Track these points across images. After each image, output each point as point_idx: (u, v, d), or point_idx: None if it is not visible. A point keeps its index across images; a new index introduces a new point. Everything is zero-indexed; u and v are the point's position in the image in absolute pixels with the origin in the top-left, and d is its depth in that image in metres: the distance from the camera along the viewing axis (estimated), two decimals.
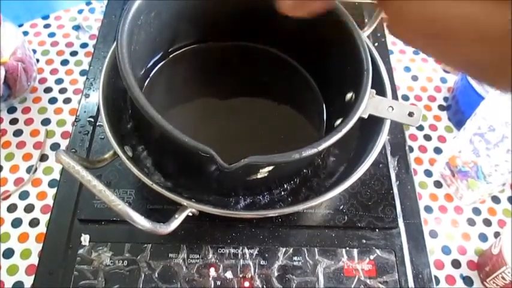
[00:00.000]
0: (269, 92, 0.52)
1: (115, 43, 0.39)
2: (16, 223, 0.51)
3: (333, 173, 0.48)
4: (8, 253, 0.49)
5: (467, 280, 0.51)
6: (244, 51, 0.55)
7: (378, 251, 0.45)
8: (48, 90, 0.62)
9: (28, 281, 0.47)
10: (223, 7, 0.50)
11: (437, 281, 0.51)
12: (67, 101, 0.61)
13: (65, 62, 0.65)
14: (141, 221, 0.32)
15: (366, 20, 0.63)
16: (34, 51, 0.66)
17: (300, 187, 0.47)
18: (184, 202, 0.37)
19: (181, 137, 0.34)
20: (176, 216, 0.36)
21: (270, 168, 0.38)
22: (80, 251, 0.43)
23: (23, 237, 0.50)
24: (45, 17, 0.70)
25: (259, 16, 0.52)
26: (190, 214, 0.37)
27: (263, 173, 0.39)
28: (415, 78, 0.67)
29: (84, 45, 0.67)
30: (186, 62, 0.53)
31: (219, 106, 0.51)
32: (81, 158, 0.35)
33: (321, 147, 0.36)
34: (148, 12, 0.43)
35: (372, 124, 0.45)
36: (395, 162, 0.52)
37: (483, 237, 0.54)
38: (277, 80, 0.54)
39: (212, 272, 0.43)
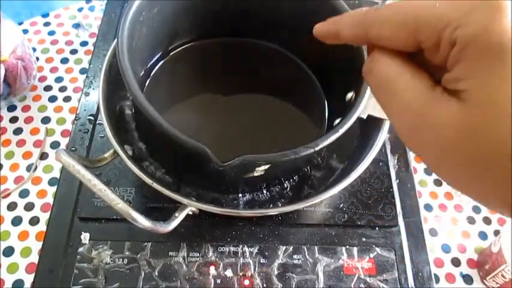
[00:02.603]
0: (271, 89, 0.52)
1: (115, 40, 0.39)
2: (16, 221, 0.51)
3: (333, 171, 0.48)
4: (8, 251, 0.49)
5: (467, 278, 0.51)
6: (245, 48, 0.55)
7: (377, 249, 0.45)
8: (48, 88, 0.62)
9: (28, 279, 0.47)
10: (225, 3, 0.50)
11: (437, 279, 0.51)
12: (67, 99, 0.61)
13: (64, 60, 0.65)
14: (142, 220, 0.32)
15: None
16: (34, 50, 0.66)
17: (300, 185, 0.47)
18: (185, 201, 0.37)
19: (177, 135, 0.34)
20: (176, 215, 0.36)
21: (267, 166, 0.38)
22: (80, 249, 0.43)
23: (23, 236, 0.50)
24: (45, 15, 0.70)
25: (260, 12, 0.52)
26: (191, 213, 0.38)
27: (260, 171, 0.39)
28: None
29: (84, 44, 0.67)
30: (186, 60, 0.53)
31: (221, 103, 0.51)
32: (81, 158, 0.35)
33: (317, 148, 0.36)
34: (151, 8, 0.43)
35: (372, 122, 0.45)
36: (395, 160, 0.52)
37: (483, 235, 0.54)
38: (279, 77, 0.54)
39: (212, 270, 0.43)
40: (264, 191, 0.46)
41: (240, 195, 0.45)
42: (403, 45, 0.21)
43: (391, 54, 0.22)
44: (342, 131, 0.38)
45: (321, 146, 0.37)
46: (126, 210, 0.31)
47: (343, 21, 0.24)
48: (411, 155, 0.53)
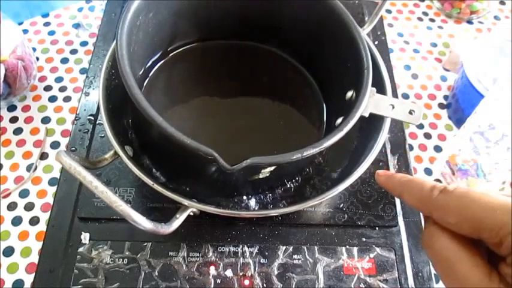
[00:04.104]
0: (269, 91, 0.52)
1: (114, 43, 0.39)
2: (16, 221, 0.51)
3: (334, 171, 0.48)
4: (8, 251, 0.49)
5: None
6: (244, 50, 0.55)
7: (377, 249, 0.45)
8: (48, 88, 0.62)
9: (28, 279, 0.47)
10: (223, 5, 0.50)
11: (437, 279, 0.51)
12: (67, 99, 0.61)
13: (64, 60, 0.65)
14: (143, 222, 0.32)
15: (366, 18, 0.63)
16: (34, 50, 0.66)
17: (302, 185, 0.47)
18: (186, 202, 0.37)
19: (183, 139, 0.34)
20: (177, 216, 0.36)
21: (272, 168, 0.38)
22: (80, 249, 0.43)
23: (23, 236, 0.50)
24: (45, 15, 0.70)
25: (258, 14, 0.52)
26: (192, 214, 0.37)
27: (265, 173, 0.39)
28: (415, 76, 0.67)
29: (84, 44, 0.67)
30: (185, 61, 0.53)
31: (219, 105, 0.51)
32: (82, 159, 0.35)
33: (322, 147, 0.36)
34: (147, 12, 0.43)
35: (372, 122, 0.45)
36: (395, 160, 0.52)
37: None
38: (277, 79, 0.54)
39: (212, 270, 0.43)
40: (267, 193, 0.46)
41: (244, 197, 0.45)
42: (465, 234, 0.23)
43: (451, 235, 0.24)
44: (346, 129, 0.38)
45: (326, 145, 0.37)
46: (127, 212, 0.31)
47: (410, 191, 0.26)
48: (411, 155, 0.53)
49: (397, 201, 0.48)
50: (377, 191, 0.48)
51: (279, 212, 0.43)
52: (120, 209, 0.31)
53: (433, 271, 0.45)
